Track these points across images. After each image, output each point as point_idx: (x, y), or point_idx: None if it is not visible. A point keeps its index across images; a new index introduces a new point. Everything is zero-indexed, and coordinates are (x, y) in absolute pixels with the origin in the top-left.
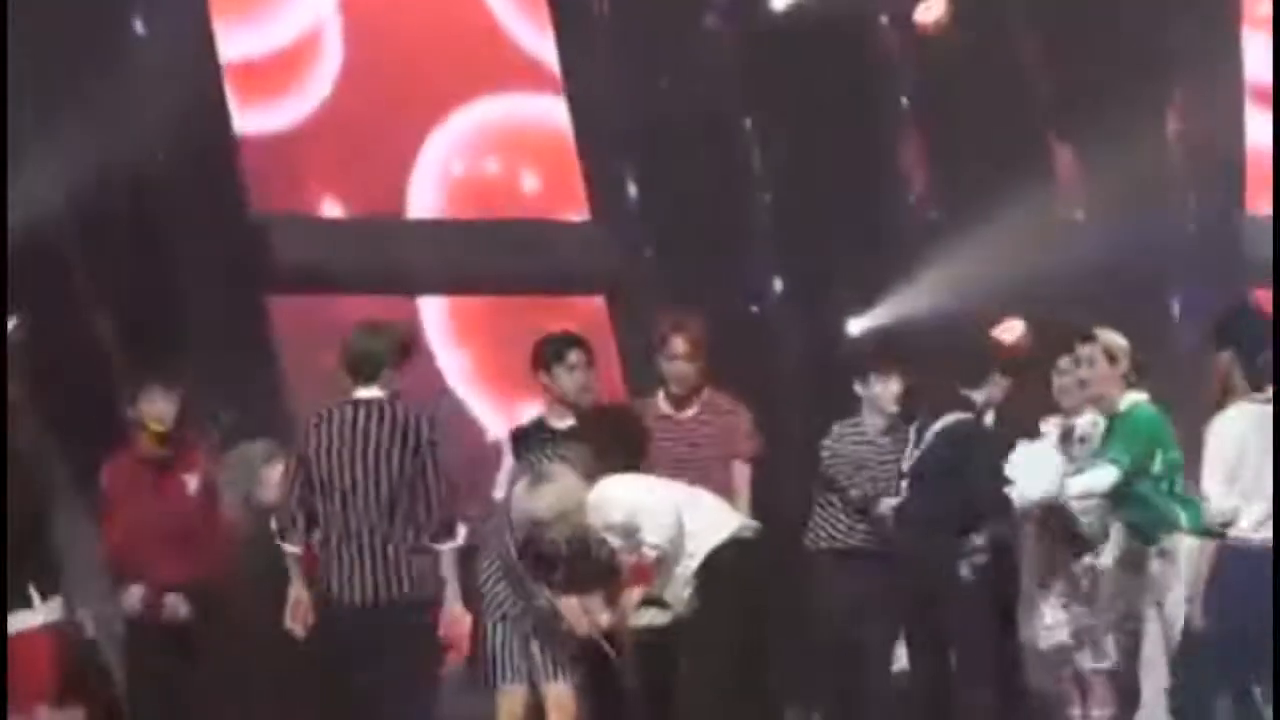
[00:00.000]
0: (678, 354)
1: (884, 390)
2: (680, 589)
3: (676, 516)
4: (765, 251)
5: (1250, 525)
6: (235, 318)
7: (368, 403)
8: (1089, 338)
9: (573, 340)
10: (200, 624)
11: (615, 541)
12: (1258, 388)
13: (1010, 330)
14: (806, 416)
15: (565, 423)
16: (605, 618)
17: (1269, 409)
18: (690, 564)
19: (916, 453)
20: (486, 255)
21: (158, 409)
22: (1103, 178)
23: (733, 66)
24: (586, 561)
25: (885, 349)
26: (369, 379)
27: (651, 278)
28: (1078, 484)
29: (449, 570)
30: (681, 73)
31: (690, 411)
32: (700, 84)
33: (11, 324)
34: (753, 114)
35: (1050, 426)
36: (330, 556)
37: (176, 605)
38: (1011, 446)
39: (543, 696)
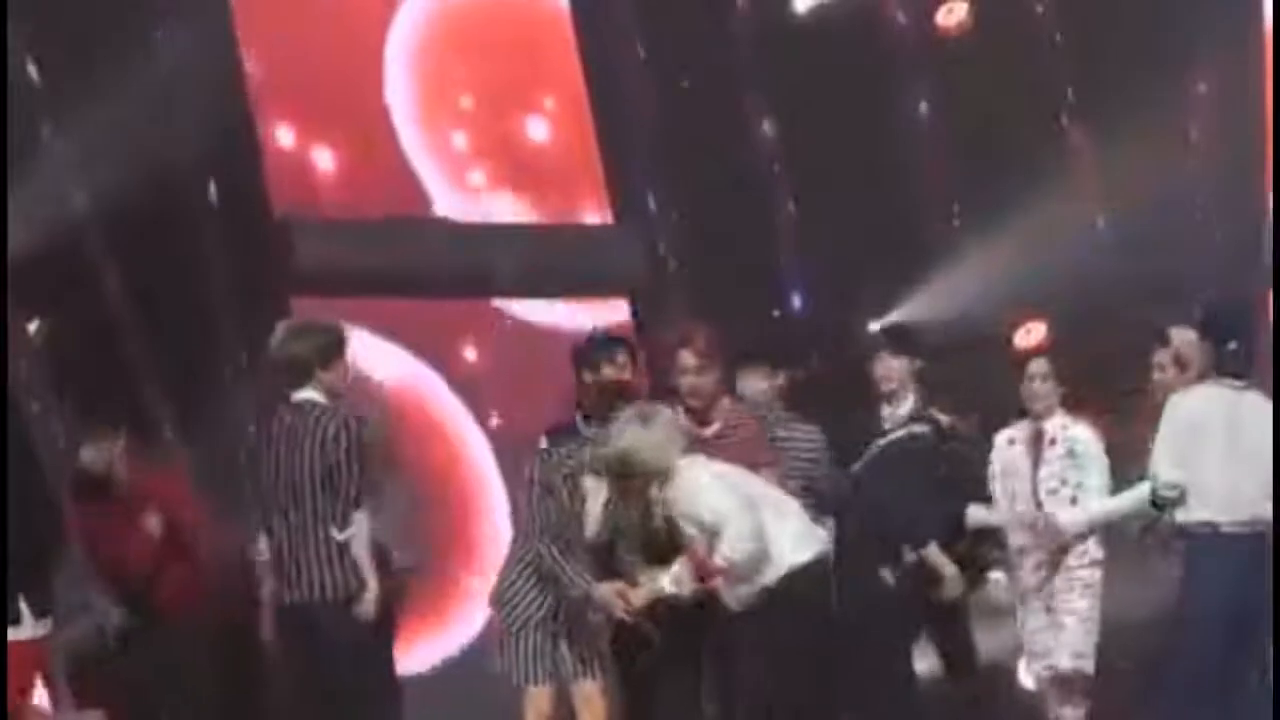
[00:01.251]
0: (687, 368)
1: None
2: (742, 594)
3: (761, 543)
4: (788, 255)
5: (1216, 511)
6: (259, 320)
7: (299, 405)
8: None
9: (620, 340)
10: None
11: (692, 531)
12: (1229, 374)
13: (1032, 333)
14: (830, 420)
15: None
16: (641, 596)
17: (1237, 394)
18: (767, 573)
19: (857, 466)
20: (509, 257)
21: (88, 457)
22: (1124, 179)
23: (755, 68)
24: (655, 531)
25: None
26: (299, 382)
27: (674, 281)
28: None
29: (359, 552)
30: (704, 74)
31: (713, 428)
32: (723, 86)
33: (33, 327)
34: (775, 116)
35: (1017, 431)
36: (277, 557)
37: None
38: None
39: (571, 695)
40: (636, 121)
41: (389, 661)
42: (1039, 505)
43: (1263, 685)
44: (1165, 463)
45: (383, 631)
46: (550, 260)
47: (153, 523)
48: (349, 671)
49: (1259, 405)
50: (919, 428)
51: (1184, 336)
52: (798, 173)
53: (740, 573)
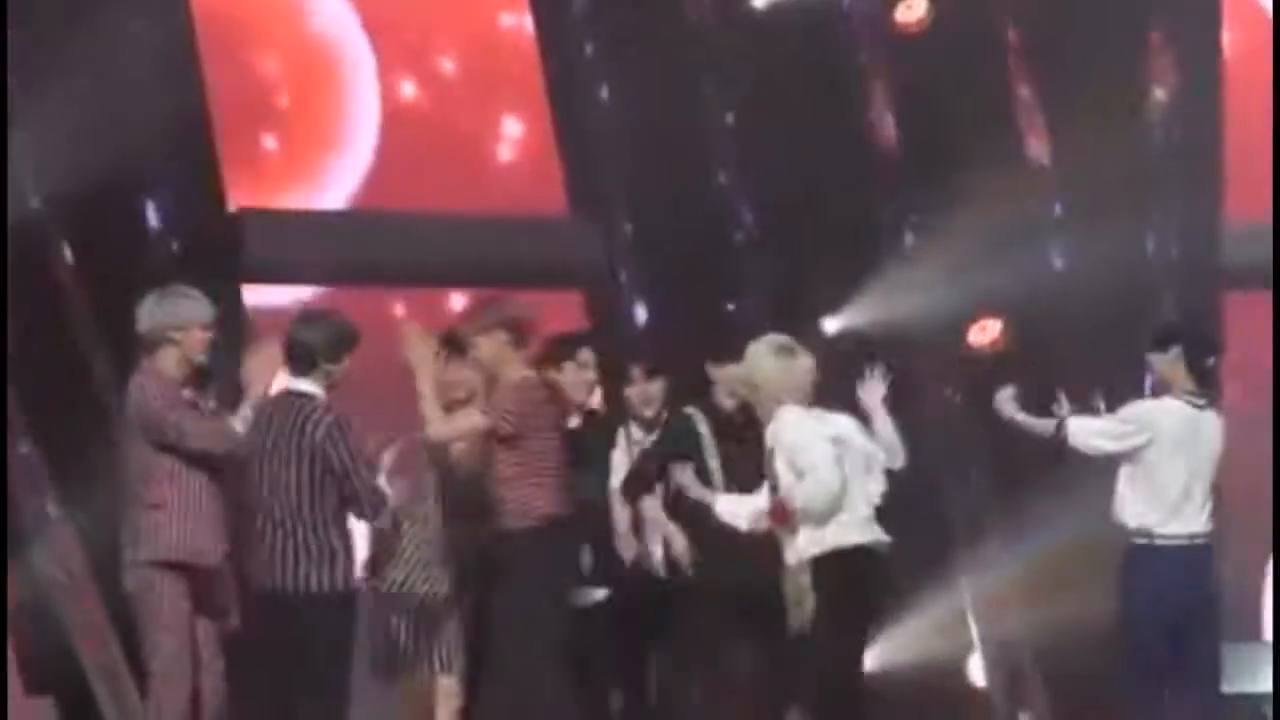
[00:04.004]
0: (636, 378)
1: None
2: (800, 546)
3: (834, 503)
4: (743, 249)
5: (1156, 523)
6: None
7: (292, 394)
8: None
9: (586, 337)
10: None
11: (784, 472)
12: (1197, 388)
13: (987, 330)
14: None
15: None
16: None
17: (1196, 412)
18: (814, 544)
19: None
20: (464, 249)
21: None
22: (1081, 177)
23: (713, 63)
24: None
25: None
26: (303, 371)
27: (630, 275)
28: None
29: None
30: (662, 69)
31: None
32: (681, 81)
33: None
34: (733, 111)
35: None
36: (258, 544)
37: None
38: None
39: (433, 689)
40: (594, 116)
41: (349, 665)
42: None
43: (1204, 687)
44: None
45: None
46: (506, 253)
47: None
48: (322, 666)
49: (1211, 423)
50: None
51: (1160, 359)
52: (754, 168)
53: (808, 522)
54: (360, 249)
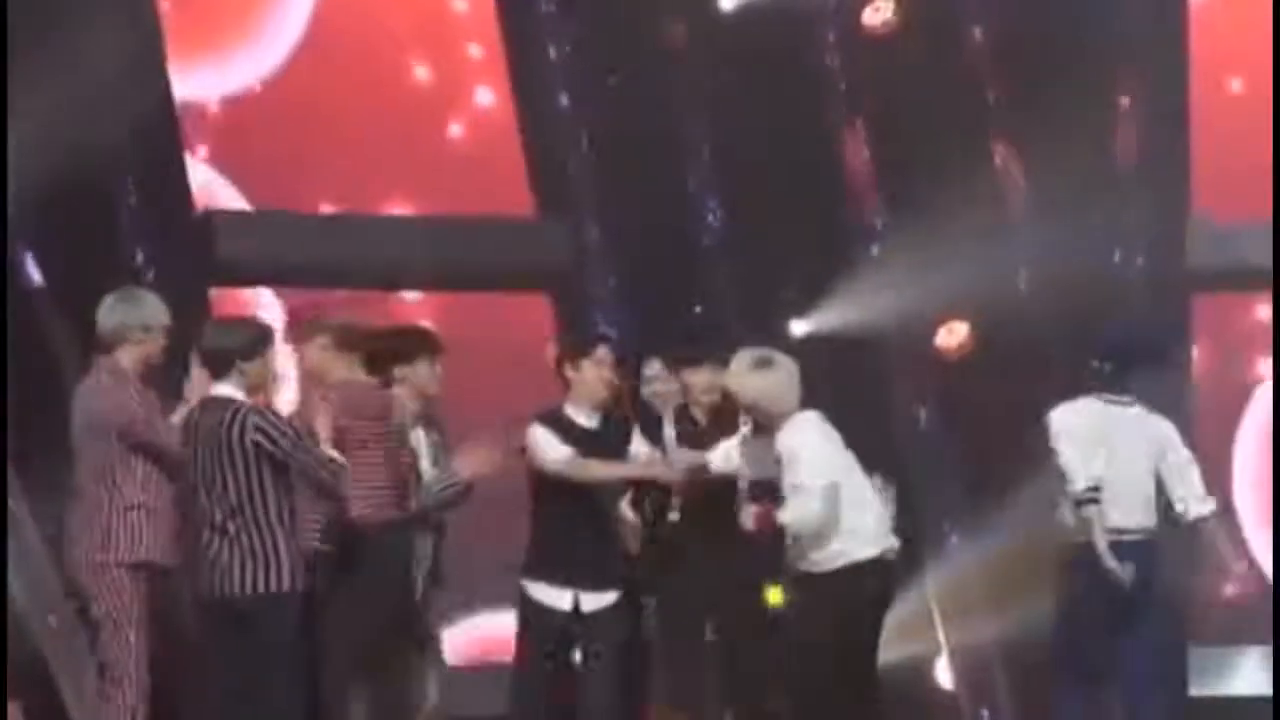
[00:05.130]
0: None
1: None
2: (813, 558)
3: (827, 526)
4: (711, 251)
5: (1145, 517)
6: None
7: (217, 399)
8: None
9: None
10: None
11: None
12: (1103, 390)
13: (953, 332)
14: None
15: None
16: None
17: (1120, 410)
18: (831, 557)
19: None
20: (433, 251)
21: None
22: (1048, 181)
23: (681, 65)
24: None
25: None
26: (222, 376)
27: (597, 276)
28: None
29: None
30: (630, 71)
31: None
32: (648, 82)
33: None
34: (701, 113)
35: None
36: (201, 551)
37: None
38: None
39: None
40: (562, 117)
41: (306, 663)
42: None
43: (1164, 688)
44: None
45: (305, 632)
46: (473, 254)
47: None
48: (276, 667)
49: (1139, 421)
50: None
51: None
52: (723, 169)
53: (801, 540)
54: (328, 251)
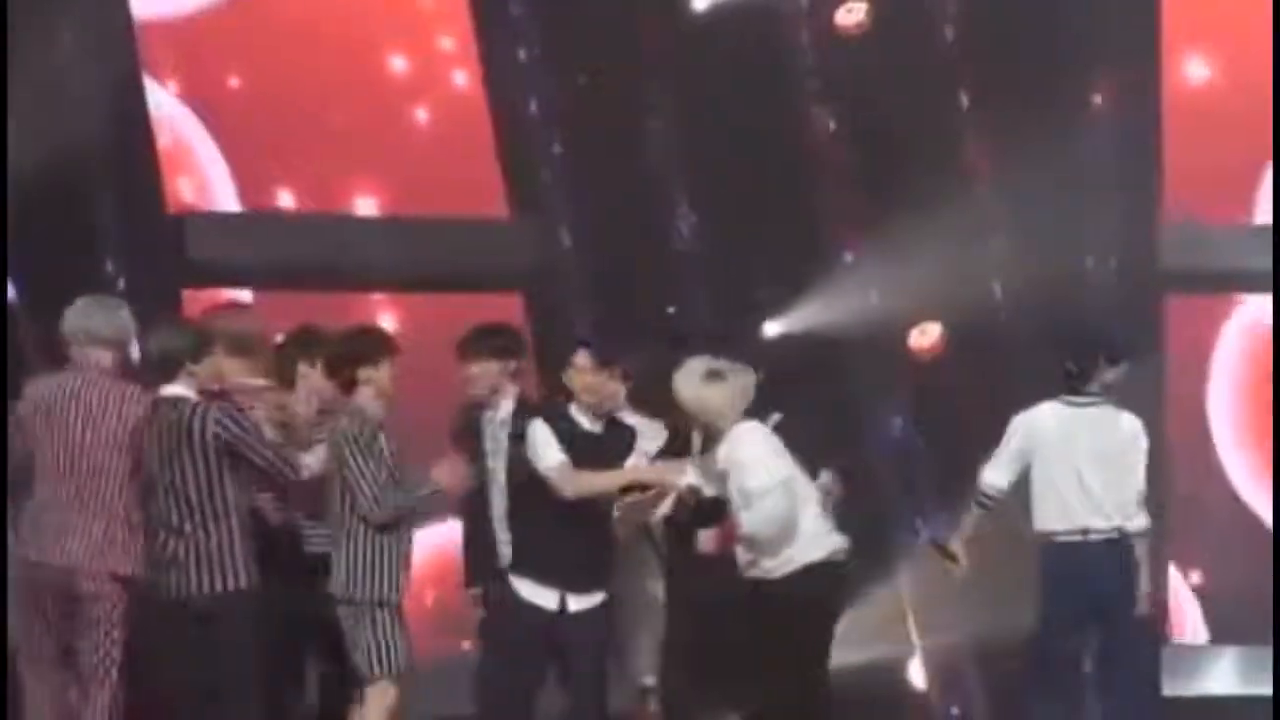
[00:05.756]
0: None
1: None
2: (766, 566)
3: (788, 528)
4: (684, 252)
5: (1053, 522)
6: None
7: (170, 400)
8: None
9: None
10: None
11: (734, 495)
12: (1081, 389)
13: (926, 333)
14: None
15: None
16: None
17: (1078, 411)
18: (783, 563)
19: None
20: (405, 251)
21: None
22: (1021, 181)
23: (653, 65)
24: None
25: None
26: (171, 378)
27: (570, 277)
28: None
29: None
30: (602, 70)
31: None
32: (621, 82)
33: None
34: (674, 113)
35: None
36: (157, 554)
37: None
38: None
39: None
40: (535, 116)
41: (259, 660)
42: None
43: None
44: (990, 465)
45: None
46: (445, 254)
47: None
48: (234, 665)
49: (1101, 420)
50: None
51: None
52: (696, 170)
53: (757, 548)
54: (301, 252)
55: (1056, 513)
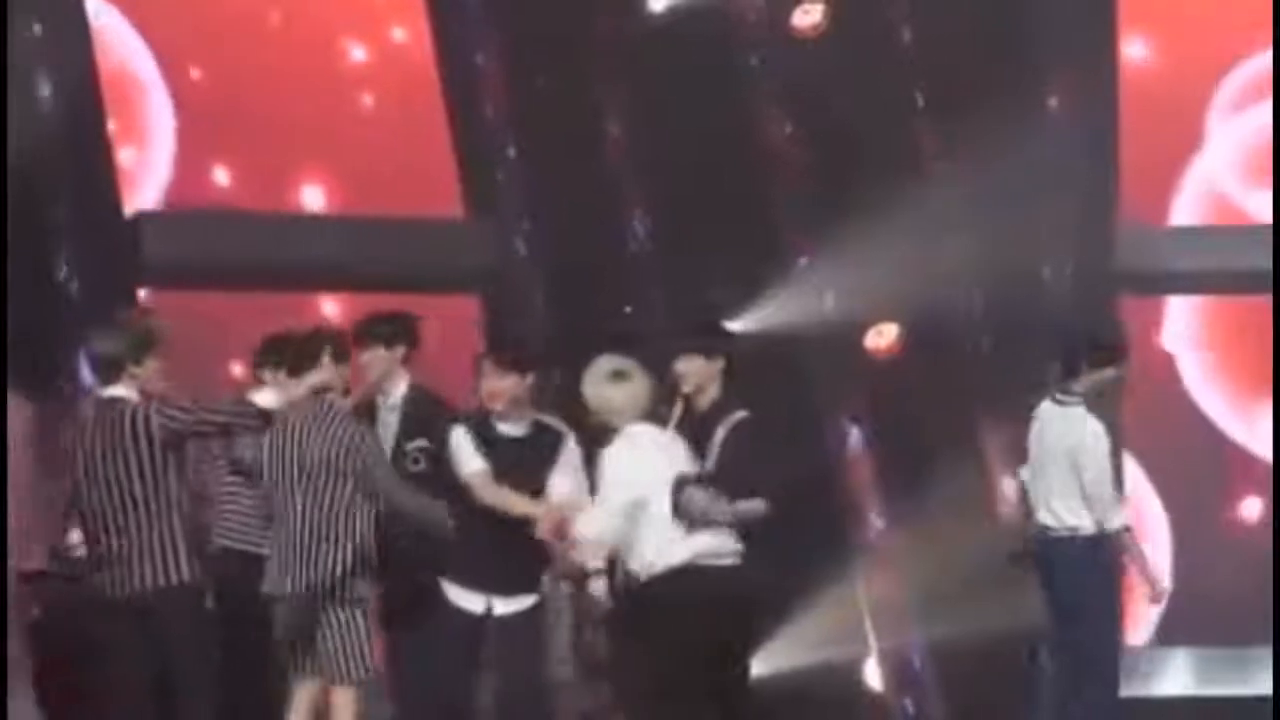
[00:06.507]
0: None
1: None
2: (599, 587)
3: (615, 540)
4: (641, 252)
5: (1048, 515)
6: (107, 311)
7: (109, 401)
8: None
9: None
10: None
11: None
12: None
13: (883, 334)
14: None
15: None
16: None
17: (1060, 410)
18: (647, 565)
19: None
20: (361, 251)
21: None
22: (978, 182)
23: (610, 66)
24: None
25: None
26: (112, 380)
27: (526, 278)
28: None
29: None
30: (559, 71)
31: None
32: (578, 83)
33: None
34: (631, 114)
35: None
36: (99, 552)
37: None
38: None
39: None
40: (492, 118)
41: (210, 651)
42: None
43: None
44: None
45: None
46: (402, 255)
47: None
48: (186, 656)
49: (1066, 420)
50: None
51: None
52: (652, 170)
53: (584, 550)
54: (256, 252)
55: (1041, 509)
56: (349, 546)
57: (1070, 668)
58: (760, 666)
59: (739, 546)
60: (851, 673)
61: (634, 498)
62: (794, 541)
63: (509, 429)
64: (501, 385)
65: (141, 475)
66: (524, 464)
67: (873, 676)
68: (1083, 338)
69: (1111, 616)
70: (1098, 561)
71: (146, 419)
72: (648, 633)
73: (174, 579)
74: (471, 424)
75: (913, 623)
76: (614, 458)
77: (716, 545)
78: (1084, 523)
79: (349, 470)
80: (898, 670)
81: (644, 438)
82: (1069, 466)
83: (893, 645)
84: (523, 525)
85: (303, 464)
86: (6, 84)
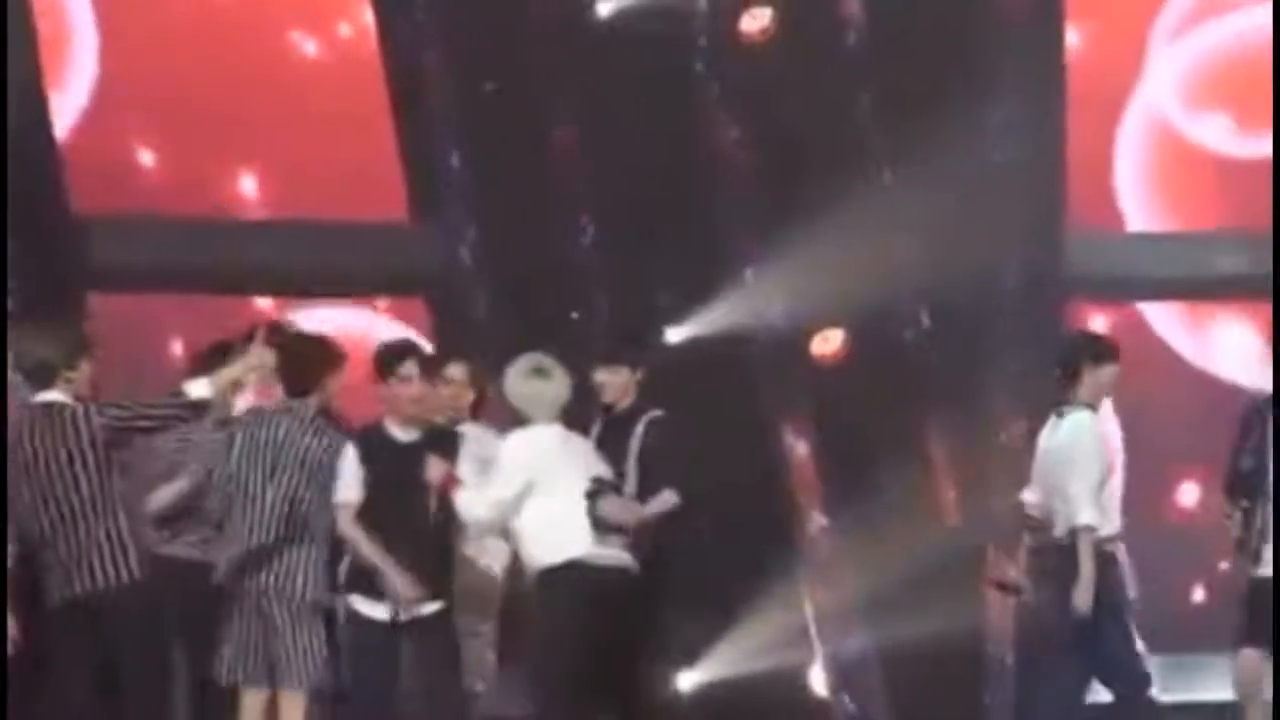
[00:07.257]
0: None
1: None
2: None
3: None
4: (587, 257)
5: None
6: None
7: (50, 406)
8: None
9: (409, 348)
10: None
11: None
12: (1063, 401)
13: (829, 340)
14: None
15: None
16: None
17: (1065, 420)
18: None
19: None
20: (309, 255)
21: None
22: (925, 186)
23: (558, 69)
24: None
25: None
26: (46, 384)
27: (472, 282)
28: None
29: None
30: (506, 75)
31: None
32: (525, 87)
33: None
34: (578, 119)
35: None
36: (49, 554)
37: None
38: None
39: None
40: (439, 122)
41: (167, 646)
42: None
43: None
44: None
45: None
46: (348, 259)
47: None
48: (136, 653)
49: (1052, 428)
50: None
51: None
52: (599, 175)
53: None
54: (206, 256)
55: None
56: (312, 549)
57: (1102, 671)
58: (705, 672)
59: (625, 550)
60: (797, 678)
61: (522, 484)
62: (738, 546)
63: (400, 434)
64: (422, 389)
65: (88, 476)
66: (407, 470)
67: (818, 681)
68: (1081, 338)
69: (1130, 611)
70: (1116, 559)
71: (89, 420)
72: (543, 621)
73: (124, 576)
74: (361, 436)
75: (858, 627)
76: (509, 447)
77: (602, 544)
78: (1104, 528)
79: (321, 474)
80: (843, 674)
81: (548, 433)
82: (1055, 473)
83: (838, 650)
84: (424, 532)
85: (277, 460)
86: (6, 84)
